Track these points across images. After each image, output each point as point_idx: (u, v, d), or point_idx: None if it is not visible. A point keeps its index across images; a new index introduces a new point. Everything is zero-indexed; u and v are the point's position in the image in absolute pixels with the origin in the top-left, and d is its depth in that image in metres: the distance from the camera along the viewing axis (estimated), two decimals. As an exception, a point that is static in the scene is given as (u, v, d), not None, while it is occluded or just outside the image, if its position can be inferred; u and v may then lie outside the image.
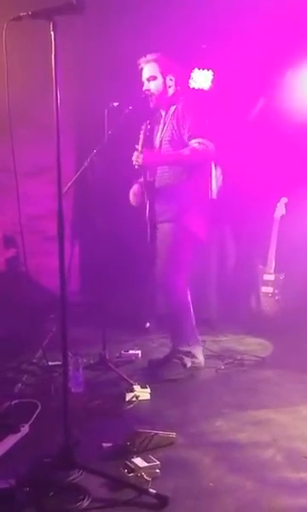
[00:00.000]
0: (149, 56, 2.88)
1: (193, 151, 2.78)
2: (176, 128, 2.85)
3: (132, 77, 3.03)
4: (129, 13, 3.70)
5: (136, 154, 2.82)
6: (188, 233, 2.86)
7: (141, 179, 3.06)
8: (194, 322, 3.00)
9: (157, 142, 2.97)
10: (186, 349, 2.93)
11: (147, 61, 2.89)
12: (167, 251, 2.88)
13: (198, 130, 2.79)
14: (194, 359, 2.94)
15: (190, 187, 2.86)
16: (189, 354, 2.93)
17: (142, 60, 2.90)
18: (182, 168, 2.85)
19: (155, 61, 2.87)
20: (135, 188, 3.05)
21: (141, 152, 2.81)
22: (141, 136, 2.84)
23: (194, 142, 2.79)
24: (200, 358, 2.97)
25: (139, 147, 2.85)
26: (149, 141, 2.88)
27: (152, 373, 2.87)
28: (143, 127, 2.86)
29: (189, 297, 2.96)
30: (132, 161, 2.83)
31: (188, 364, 2.91)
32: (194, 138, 2.79)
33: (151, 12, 3.70)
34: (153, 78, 2.88)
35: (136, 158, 2.81)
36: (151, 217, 2.91)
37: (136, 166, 2.84)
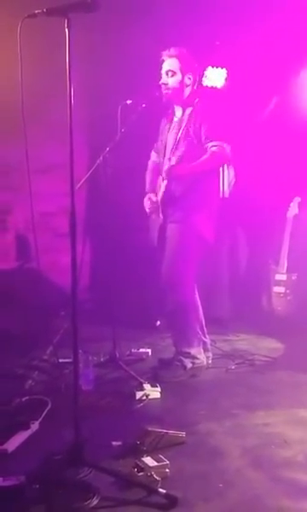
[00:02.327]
0: (173, 51, 2.85)
1: (213, 155, 2.78)
2: (193, 129, 2.83)
3: (145, 74, 3.02)
4: (142, 10, 3.68)
5: (166, 167, 2.84)
6: (196, 234, 2.85)
7: (148, 186, 3.07)
8: (201, 322, 2.98)
9: (171, 141, 2.95)
10: (186, 350, 2.91)
11: (170, 56, 2.85)
12: (174, 251, 2.87)
13: (215, 133, 2.79)
14: (194, 360, 2.91)
15: (200, 188, 2.84)
16: (189, 355, 2.90)
17: (165, 52, 2.86)
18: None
19: (177, 56, 2.84)
20: (150, 196, 3.04)
21: (168, 161, 2.82)
22: (172, 131, 2.85)
23: (211, 146, 2.78)
24: (201, 358, 2.94)
25: (167, 154, 2.87)
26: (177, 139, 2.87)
27: (154, 374, 2.85)
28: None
29: (197, 297, 2.95)
30: (161, 171, 2.88)
31: (189, 366, 2.89)
32: (211, 141, 2.78)
33: (165, 9, 3.69)
34: (173, 73, 2.85)
35: (168, 171, 2.81)
36: (163, 220, 2.91)
37: (164, 179, 2.85)
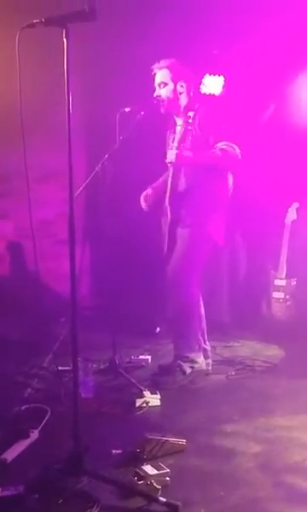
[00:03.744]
0: (162, 63, 2.90)
1: (223, 152, 2.79)
2: (199, 133, 2.84)
3: (144, 82, 3.04)
4: (140, 18, 3.71)
5: (170, 151, 2.84)
6: (207, 238, 2.87)
7: (155, 184, 3.08)
8: (202, 329, 2.98)
9: (175, 148, 2.97)
10: (186, 354, 2.91)
11: (160, 68, 2.91)
12: (183, 254, 2.88)
13: (223, 135, 2.81)
14: (193, 364, 2.90)
15: (208, 191, 2.85)
16: (187, 359, 2.90)
17: (155, 66, 2.92)
18: (202, 172, 2.84)
19: (167, 67, 2.89)
20: (147, 191, 3.06)
21: (176, 149, 2.82)
22: (178, 135, 2.85)
23: (222, 145, 2.80)
24: (200, 362, 2.93)
25: (175, 143, 2.87)
26: (183, 140, 2.87)
27: (154, 381, 2.85)
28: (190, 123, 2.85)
29: (201, 303, 2.95)
30: (166, 158, 2.85)
31: (188, 371, 2.88)
32: (221, 141, 2.80)
33: (163, 18, 3.71)
34: (164, 84, 2.90)
35: (171, 155, 2.81)
36: (172, 225, 2.92)
37: (169, 164, 2.85)
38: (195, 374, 2.90)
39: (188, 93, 2.92)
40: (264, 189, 3.87)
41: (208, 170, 2.83)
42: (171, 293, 2.94)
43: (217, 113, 2.90)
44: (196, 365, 2.91)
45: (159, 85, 2.91)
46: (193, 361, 2.91)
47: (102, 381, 2.85)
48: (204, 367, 2.95)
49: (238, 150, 2.82)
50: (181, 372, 2.87)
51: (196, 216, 2.87)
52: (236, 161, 2.86)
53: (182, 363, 2.88)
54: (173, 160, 2.81)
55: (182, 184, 2.92)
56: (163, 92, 2.90)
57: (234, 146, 2.81)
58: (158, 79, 2.92)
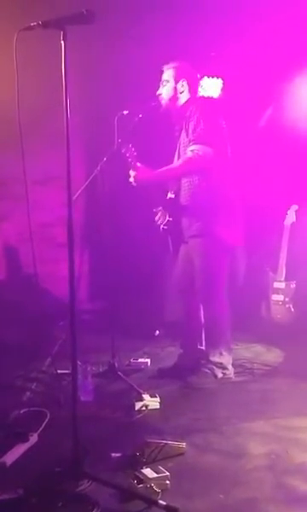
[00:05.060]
0: (171, 63, 2.93)
1: (185, 161, 2.80)
2: (185, 138, 2.86)
3: (142, 85, 3.06)
4: (138, 21, 3.73)
5: (131, 171, 2.85)
6: (221, 244, 2.85)
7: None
8: (230, 332, 3.02)
9: (178, 152, 2.98)
10: (217, 360, 2.94)
11: (168, 68, 2.93)
12: (205, 266, 2.87)
13: (196, 136, 2.77)
14: (224, 371, 2.95)
15: (211, 195, 2.83)
16: (221, 365, 2.94)
17: (165, 66, 2.94)
18: (197, 177, 2.84)
19: (174, 67, 2.92)
20: (157, 216, 3.07)
21: (134, 170, 2.83)
22: (129, 159, 2.84)
23: (188, 151, 2.80)
24: (230, 369, 2.98)
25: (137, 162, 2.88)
26: (137, 160, 2.85)
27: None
28: (124, 150, 2.83)
29: (228, 307, 2.97)
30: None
31: (219, 375, 2.92)
32: (192, 144, 2.78)
33: (161, 20, 3.73)
34: (166, 82, 2.93)
35: (131, 178, 2.85)
36: (176, 233, 2.93)
37: (134, 184, 2.86)
38: (225, 379, 2.93)
39: (189, 92, 2.92)
40: (263, 192, 3.88)
41: (193, 175, 2.83)
42: (204, 307, 2.98)
43: (205, 112, 2.81)
44: (227, 372, 2.95)
45: (162, 83, 2.94)
46: (225, 367, 2.95)
47: (101, 385, 2.84)
48: (232, 375, 2.99)
49: (206, 151, 2.73)
50: (212, 375, 2.90)
51: (202, 225, 2.84)
52: (202, 165, 2.77)
53: (214, 367, 2.92)
54: (133, 183, 2.84)
55: (178, 193, 2.92)
56: (164, 90, 2.92)
57: (202, 149, 2.73)
58: (162, 78, 2.94)
